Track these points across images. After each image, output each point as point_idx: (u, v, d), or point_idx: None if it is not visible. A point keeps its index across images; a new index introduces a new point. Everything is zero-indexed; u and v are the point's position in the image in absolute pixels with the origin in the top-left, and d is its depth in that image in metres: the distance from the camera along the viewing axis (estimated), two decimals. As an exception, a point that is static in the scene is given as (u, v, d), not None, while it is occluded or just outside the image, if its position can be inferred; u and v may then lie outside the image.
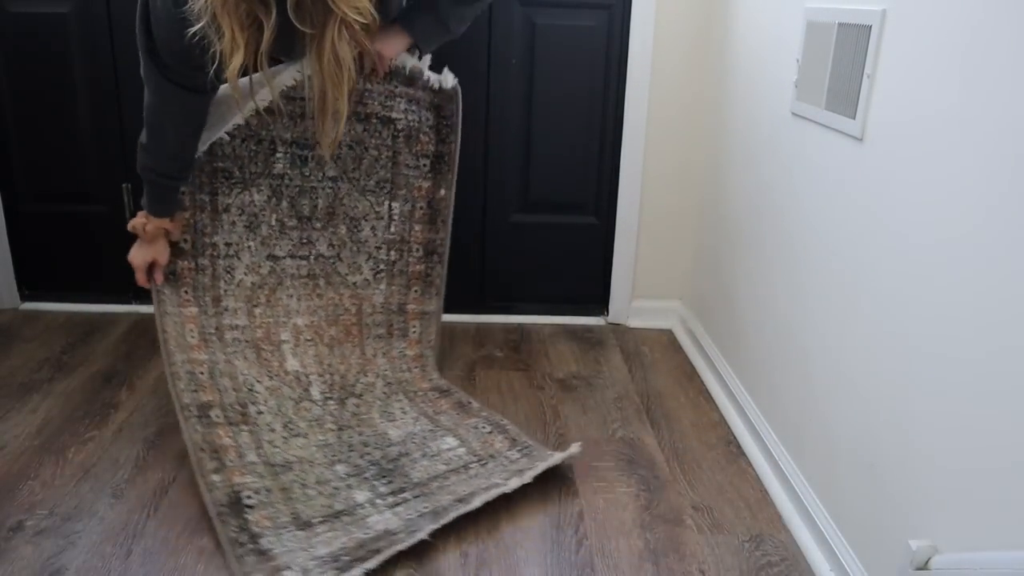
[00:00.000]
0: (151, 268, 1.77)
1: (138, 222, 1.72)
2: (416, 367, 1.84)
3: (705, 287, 2.22)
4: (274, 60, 1.50)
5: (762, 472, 1.71)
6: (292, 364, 1.77)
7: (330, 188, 1.78)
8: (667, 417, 1.91)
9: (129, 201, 2.31)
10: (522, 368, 2.14)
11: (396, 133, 1.78)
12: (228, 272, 1.79)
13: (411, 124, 1.78)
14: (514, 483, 1.51)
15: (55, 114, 2.23)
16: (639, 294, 2.43)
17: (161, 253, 1.76)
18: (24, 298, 2.40)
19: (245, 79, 1.56)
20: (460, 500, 1.49)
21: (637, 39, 2.19)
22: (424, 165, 1.81)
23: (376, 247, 1.82)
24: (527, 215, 2.37)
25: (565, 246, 2.40)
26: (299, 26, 1.40)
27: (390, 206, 1.80)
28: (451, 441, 1.65)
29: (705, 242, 2.23)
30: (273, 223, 1.78)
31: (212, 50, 1.40)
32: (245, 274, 1.79)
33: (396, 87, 1.75)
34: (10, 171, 2.28)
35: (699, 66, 2.22)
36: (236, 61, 1.39)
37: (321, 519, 1.44)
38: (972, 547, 1.06)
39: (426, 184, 1.82)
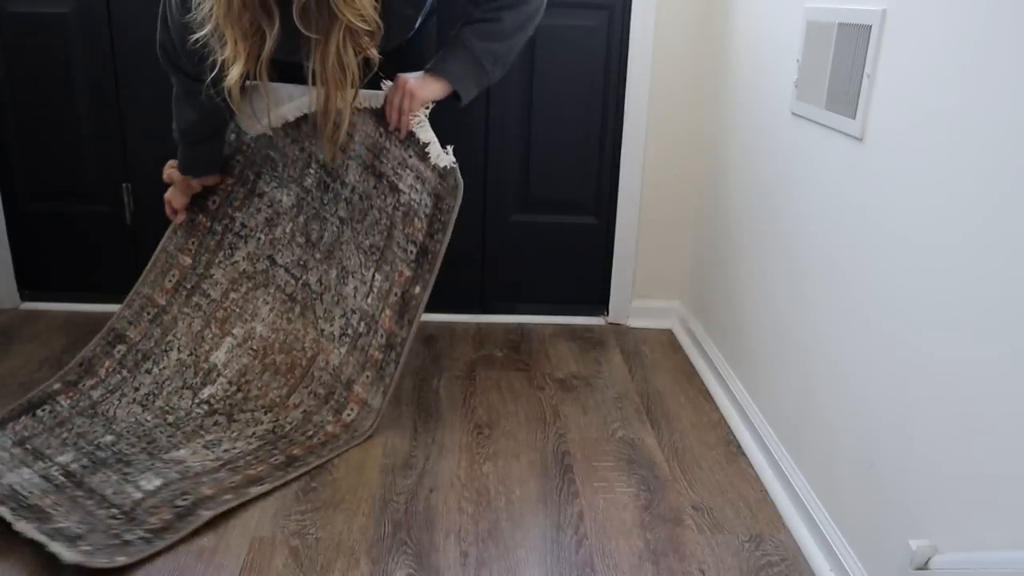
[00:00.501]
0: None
1: (171, 172, 1.82)
2: (318, 442, 1.64)
3: (705, 287, 2.22)
4: (275, 63, 1.50)
5: (762, 472, 1.71)
6: (217, 357, 1.73)
7: (336, 227, 1.74)
8: (667, 417, 1.91)
9: (129, 201, 2.31)
10: (522, 368, 2.14)
11: (397, 206, 1.71)
12: (231, 248, 1.82)
13: (412, 202, 1.70)
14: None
15: (55, 114, 2.23)
16: (639, 294, 2.43)
17: (189, 196, 1.88)
18: (24, 298, 2.40)
19: (253, 99, 1.61)
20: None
21: (637, 39, 2.19)
22: (411, 252, 1.71)
23: (352, 310, 1.74)
24: (527, 215, 2.37)
25: (565, 246, 2.40)
26: (304, 31, 1.40)
27: (374, 276, 1.72)
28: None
29: (705, 242, 2.23)
30: (287, 231, 1.77)
31: (212, 59, 1.41)
32: (243, 259, 1.80)
33: (410, 156, 1.69)
34: (10, 171, 2.28)
35: (699, 66, 2.22)
36: (236, 71, 1.40)
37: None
38: (972, 547, 1.06)
39: (407, 272, 1.71)
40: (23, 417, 1.61)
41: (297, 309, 1.70)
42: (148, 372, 1.75)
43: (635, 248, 2.38)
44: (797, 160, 1.62)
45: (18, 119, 2.24)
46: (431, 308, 2.40)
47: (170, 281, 1.85)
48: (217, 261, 1.83)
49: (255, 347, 1.69)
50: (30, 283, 2.39)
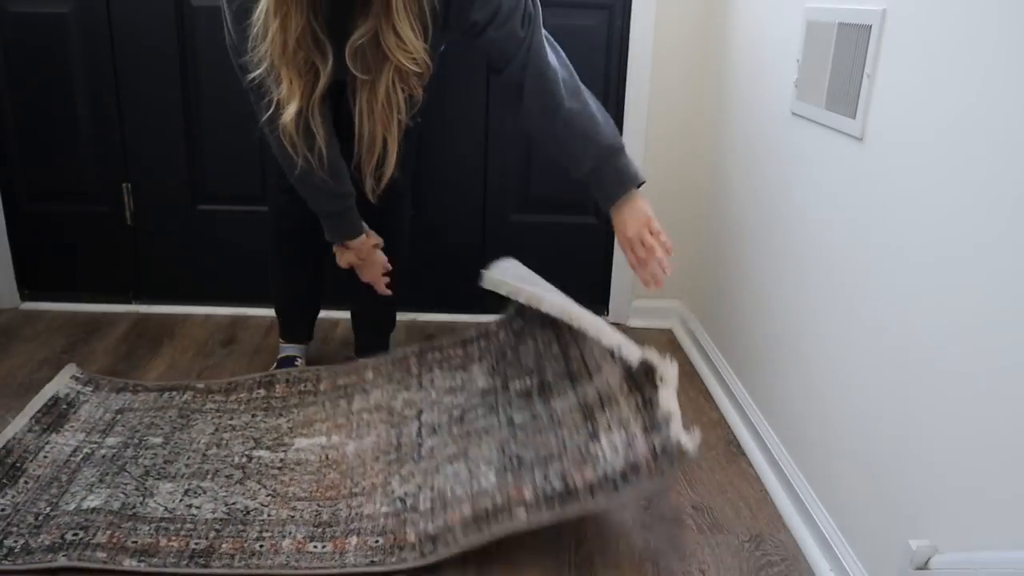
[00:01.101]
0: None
1: (350, 257, 1.77)
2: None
3: (705, 287, 2.22)
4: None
5: (762, 472, 1.71)
6: (300, 443, 1.73)
7: (499, 424, 1.63)
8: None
9: (129, 201, 2.31)
10: (522, 368, 2.13)
11: (582, 452, 1.47)
12: (403, 388, 1.87)
13: (599, 457, 1.44)
14: None
15: (55, 114, 2.23)
16: (639, 294, 2.43)
17: (379, 263, 1.82)
18: (24, 298, 2.40)
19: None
20: None
21: (637, 39, 2.19)
22: (555, 485, 1.45)
23: (430, 487, 1.56)
24: (527, 215, 2.37)
25: (565, 246, 2.40)
26: (354, 72, 1.43)
27: (487, 475, 1.53)
28: None
29: (705, 242, 2.23)
30: (455, 403, 1.77)
31: (268, 98, 1.42)
32: (402, 401, 1.84)
33: (634, 417, 1.45)
34: (10, 171, 2.28)
35: (699, 66, 2.22)
36: (292, 108, 1.41)
37: None
38: (972, 547, 1.06)
39: (527, 495, 1.46)
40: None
41: (392, 456, 1.65)
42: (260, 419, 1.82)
43: (635, 248, 2.38)
44: (797, 160, 1.62)
45: (18, 119, 2.24)
46: (431, 308, 2.41)
47: (343, 379, 1.94)
48: (386, 387, 1.86)
49: (329, 455, 1.68)
50: (30, 283, 2.39)
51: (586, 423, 1.54)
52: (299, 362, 2.06)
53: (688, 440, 1.36)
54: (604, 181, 1.55)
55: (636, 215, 1.54)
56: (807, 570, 1.45)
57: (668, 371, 1.43)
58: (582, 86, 1.57)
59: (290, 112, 1.42)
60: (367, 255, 1.78)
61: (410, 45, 1.40)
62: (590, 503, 1.40)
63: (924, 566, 1.11)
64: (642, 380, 1.50)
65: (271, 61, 1.39)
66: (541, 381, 1.71)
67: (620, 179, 1.54)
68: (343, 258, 1.78)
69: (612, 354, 1.54)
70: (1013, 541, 0.99)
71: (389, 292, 1.85)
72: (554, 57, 1.56)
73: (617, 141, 1.54)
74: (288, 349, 2.08)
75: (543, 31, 1.55)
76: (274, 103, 1.44)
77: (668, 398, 1.42)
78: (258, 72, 1.41)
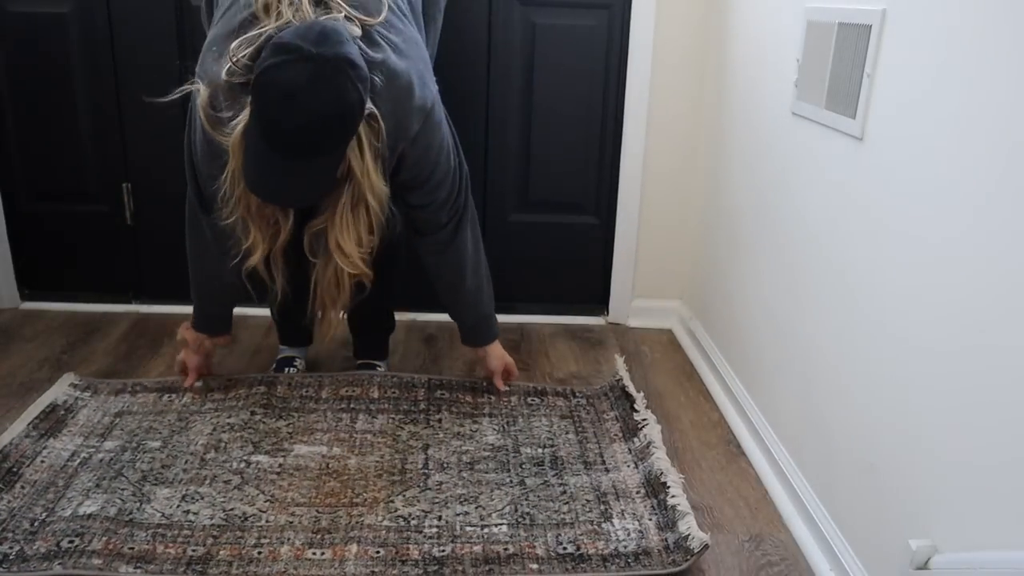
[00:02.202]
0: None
1: (187, 335, 1.86)
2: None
3: (705, 287, 2.22)
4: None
5: (762, 472, 1.71)
6: (300, 449, 1.73)
7: (510, 482, 1.64)
8: (667, 417, 1.91)
9: (129, 201, 2.31)
10: (522, 368, 2.13)
11: (595, 527, 1.51)
12: (420, 423, 1.86)
13: (611, 534, 1.50)
14: None
15: (55, 114, 2.23)
16: (639, 294, 2.43)
17: (209, 362, 1.93)
18: (24, 298, 2.40)
19: None
20: None
21: (637, 39, 2.19)
22: (566, 547, 1.47)
23: (437, 517, 1.54)
24: (527, 215, 2.37)
25: (565, 246, 2.40)
26: (307, 253, 1.53)
27: (491, 523, 1.53)
28: None
29: (705, 242, 2.23)
30: (462, 460, 1.76)
31: (238, 248, 1.51)
32: (408, 432, 1.82)
33: (648, 509, 1.55)
34: (10, 171, 2.28)
35: (699, 66, 2.22)
36: (257, 256, 1.50)
37: None
38: (972, 547, 1.06)
39: (539, 551, 1.46)
40: None
41: (397, 478, 1.63)
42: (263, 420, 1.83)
43: (635, 248, 2.38)
44: (797, 160, 1.62)
45: (18, 119, 2.24)
46: (431, 308, 2.41)
47: (346, 390, 1.95)
48: (392, 414, 1.86)
49: (330, 465, 1.67)
50: (30, 283, 2.39)
51: (599, 504, 1.58)
52: (298, 362, 2.06)
53: (701, 536, 1.44)
54: (475, 334, 1.89)
55: (498, 358, 1.92)
56: (807, 570, 1.45)
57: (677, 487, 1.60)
58: (482, 258, 1.81)
59: (255, 258, 1.51)
60: (202, 349, 1.88)
61: (347, 252, 1.49)
62: (601, 572, 1.40)
63: (924, 566, 1.11)
64: (659, 488, 1.59)
65: (240, 215, 1.47)
66: (554, 455, 1.74)
67: (487, 336, 1.90)
68: (180, 334, 1.86)
69: (636, 464, 1.70)
70: (1013, 541, 0.99)
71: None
72: (471, 239, 1.75)
73: (491, 308, 1.87)
74: (287, 351, 2.08)
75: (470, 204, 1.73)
76: (241, 252, 1.52)
77: (682, 501, 1.55)
78: (230, 221, 1.49)
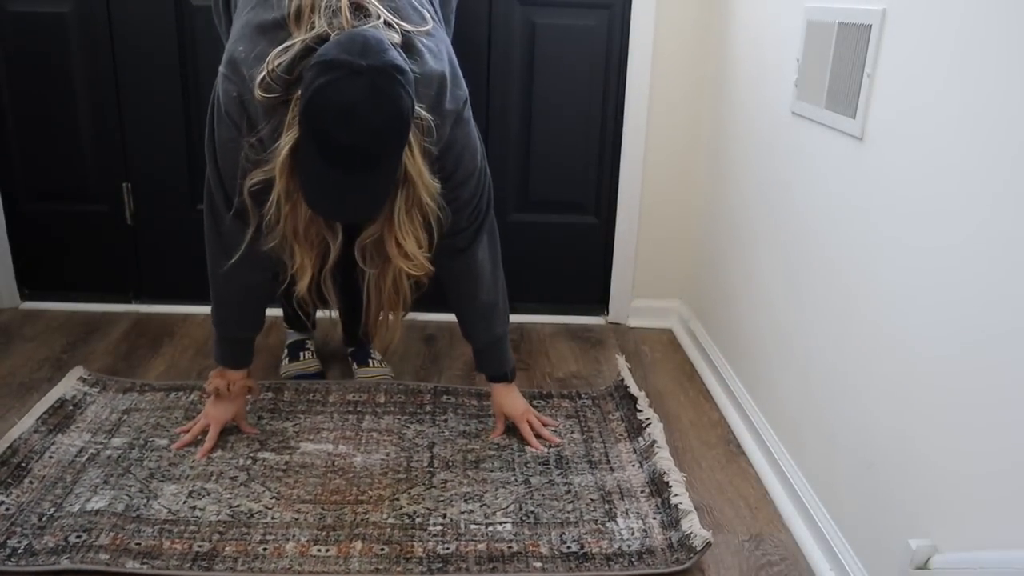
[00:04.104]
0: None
1: (219, 383, 1.70)
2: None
3: (705, 287, 2.22)
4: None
5: (762, 472, 1.71)
6: (306, 447, 1.73)
7: (515, 479, 1.65)
8: (667, 417, 1.91)
9: (129, 200, 2.31)
10: (522, 368, 2.13)
11: (599, 526, 1.52)
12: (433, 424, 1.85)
13: (614, 533, 1.51)
14: None
15: (55, 114, 2.23)
16: (639, 293, 2.43)
17: (241, 412, 1.77)
18: (24, 298, 2.40)
19: None
20: None
21: (637, 39, 2.19)
22: (570, 546, 1.48)
23: (442, 515, 1.55)
24: (527, 214, 2.37)
25: (565, 246, 2.40)
26: (362, 266, 1.49)
27: (495, 520, 1.54)
28: None
29: (705, 242, 2.23)
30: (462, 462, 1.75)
31: (284, 272, 1.48)
32: (416, 432, 1.82)
33: (652, 509, 1.56)
34: (10, 171, 2.28)
35: (699, 66, 2.21)
36: (305, 281, 1.46)
37: None
38: (972, 547, 1.06)
39: (542, 548, 1.48)
40: None
41: (402, 475, 1.64)
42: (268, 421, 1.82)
43: (635, 248, 2.38)
44: (797, 160, 1.62)
45: (18, 119, 2.24)
46: (431, 308, 2.41)
47: (353, 395, 1.95)
48: (398, 415, 1.86)
49: (336, 462, 1.68)
50: (30, 283, 2.39)
51: (604, 503, 1.59)
52: (309, 344, 2.09)
53: (704, 534, 1.45)
54: (487, 360, 1.79)
55: (516, 406, 1.80)
56: (807, 570, 1.45)
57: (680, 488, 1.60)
58: (500, 275, 1.74)
59: (304, 283, 1.46)
60: (236, 392, 1.72)
61: (410, 254, 1.45)
62: (605, 571, 1.41)
63: (924, 566, 1.11)
64: (663, 487, 1.60)
65: (285, 237, 1.43)
66: (559, 455, 1.74)
67: (501, 363, 1.79)
68: (211, 383, 1.71)
69: (640, 463, 1.71)
70: (1013, 541, 0.99)
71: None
72: (488, 249, 1.68)
73: (505, 329, 1.78)
74: (295, 335, 2.11)
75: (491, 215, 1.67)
76: (289, 276, 1.49)
77: (685, 500, 1.55)
78: (273, 245, 1.45)
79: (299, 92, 1.28)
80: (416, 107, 1.34)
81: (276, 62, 1.31)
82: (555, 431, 1.81)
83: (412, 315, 2.40)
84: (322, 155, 1.28)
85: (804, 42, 1.58)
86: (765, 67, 1.80)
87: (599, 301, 2.46)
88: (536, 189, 2.35)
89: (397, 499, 1.58)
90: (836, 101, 1.44)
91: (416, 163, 1.38)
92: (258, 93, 1.32)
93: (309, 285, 1.47)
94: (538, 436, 1.78)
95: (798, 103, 1.60)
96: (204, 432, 1.72)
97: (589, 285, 2.45)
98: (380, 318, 1.57)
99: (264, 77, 1.31)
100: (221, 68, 1.42)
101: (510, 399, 1.80)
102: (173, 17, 2.16)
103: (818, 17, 1.52)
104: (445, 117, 1.45)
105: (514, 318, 2.41)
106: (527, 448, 1.75)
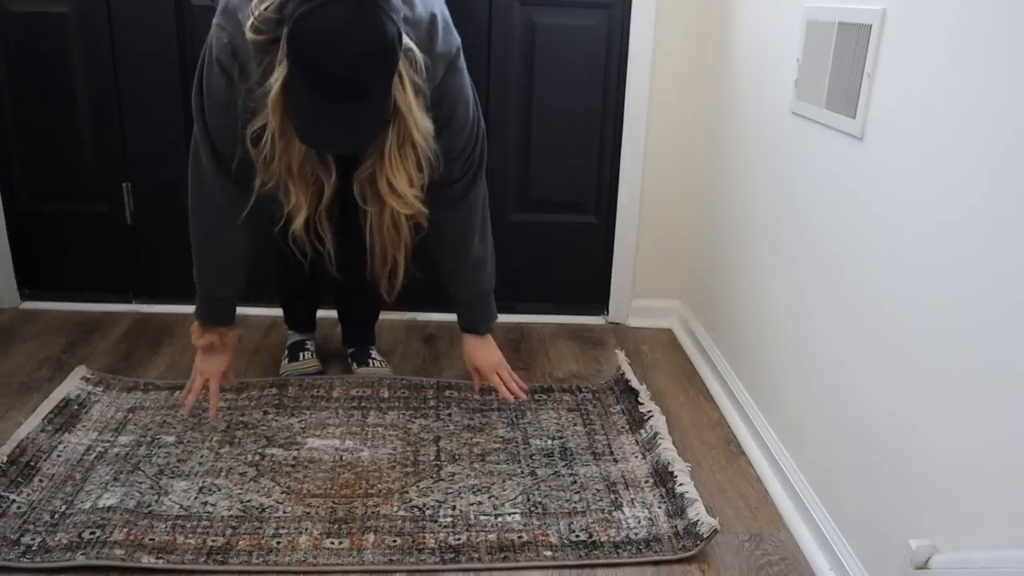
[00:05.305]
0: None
1: (211, 338, 1.68)
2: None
3: (705, 287, 2.22)
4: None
5: (762, 472, 1.71)
6: (313, 443, 1.73)
7: (521, 471, 1.67)
8: (667, 417, 1.90)
9: (129, 200, 2.31)
10: (522, 367, 2.13)
11: (606, 516, 1.54)
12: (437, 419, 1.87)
13: (621, 522, 1.53)
14: None
15: (55, 114, 2.23)
16: (639, 293, 2.43)
17: (231, 362, 1.74)
18: (24, 297, 2.39)
19: None
20: None
21: (637, 39, 2.19)
22: (578, 534, 1.50)
23: (451, 507, 1.56)
24: (527, 214, 2.37)
25: (565, 245, 2.40)
26: (359, 202, 1.48)
27: (505, 511, 1.56)
28: None
29: (705, 241, 2.23)
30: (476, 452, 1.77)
31: (279, 211, 1.47)
32: (421, 427, 1.82)
33: (656, 498, 1.58)
34: (10, 171, 2.28)
35: (699, 66, 2.21)
36: (300, 219, 1.46)
37: None
38: (972, 547, 1.06)
39: (551, 538, 1.50)
40: None
41: (410, 469, 1.66)
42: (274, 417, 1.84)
43: (635, 248, 2.38)
44: (797, 159, 1.62)
45: (18, 119, 2.24)
46: (430, 308, 2.41)
47: (356, 390, 1.95)
48: (403, 411, 1.87)
49: (343, 457, 1.69)
50: (30, 283, 2.39)
51: (609, 493, 1.61)
52: (309, 344, 2.09)
53: (710, 522, 1.47)
54: (472, 313, 1.77)
55: (490, 356, 1.78)
56: (807, 569, 1.45)
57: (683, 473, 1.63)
58: (489, 229, 1.72)
59: (299, 221, 1.47)
60: (228, 343, 1.71)
61: (401, 192, 1.45)
62: (614, 559, 1.43)
63: (924, 566, 1.11)
64: (667, 477, 1.62)
65: (280, 177, 1.43)
66: (564, 447, 1.76)
67: (484, 316, 1.77)
68: (203, 339, 1.68)
69: (643, 455, 1.73)
70: (1013, 541, 0.99)
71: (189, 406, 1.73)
72: (480, 202, 1.67)
73: (492, 284, 1.76)
74: (295, 335, 2.11)
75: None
76: (285, 215, 1.48)
77: (690, 488, 1.58)
78: (269, 186, 1.45)
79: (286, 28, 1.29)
80: (405, 40, 1.35)
81: (265, 3, 1.32)
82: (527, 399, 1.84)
83: (412, 315, 2.40)
84: (310, 84, 1.29)
85: (804, 42, 1.58)
86: (765, 67, 1.80)
87: (599, 301, 2.46)
88: (536, 189, 2.35)
89: (406, 492, 1.59)
90: (836, 101, 1.44)
91: (407, 98, 1.37)
92: (249, 35, 1.33)
93: (305, 224, 1.47)
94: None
95: (798, 103, 1.60)
96: (206, 391, 1.71)
97: (589, 285, 2.45)
98: (384, 263, 1.56)
99: (253, 20, 1.32)
100: (215, 20, 1.43)
101: (486, 350, 1.78)
102: (173, 17, 2.16)
103: (818, 17, 1.52)
104: (437, 60, 1.45)
105: (514, 318, 2.43)
106: (532, 440, 1.77)
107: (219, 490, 1.57)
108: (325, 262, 1.58)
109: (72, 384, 1.90)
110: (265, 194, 1.47)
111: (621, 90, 2.25)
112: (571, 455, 1.73)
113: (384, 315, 2.19)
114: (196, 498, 1.55)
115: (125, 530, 1.44)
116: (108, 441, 1.71)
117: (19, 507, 1.50)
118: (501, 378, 1.77)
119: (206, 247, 1.65)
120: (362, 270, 1.57)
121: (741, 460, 1.77)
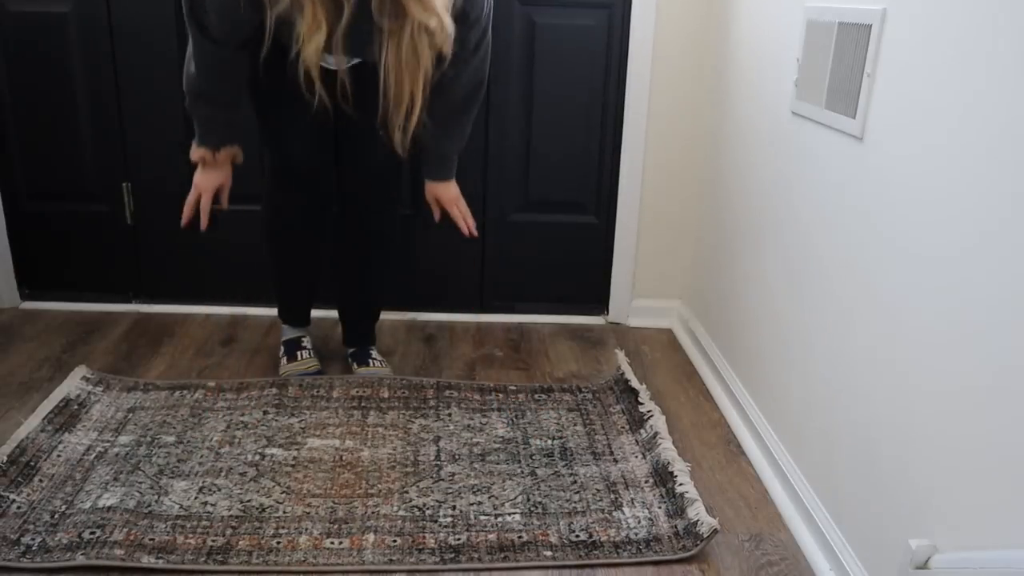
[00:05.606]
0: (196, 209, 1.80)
1: (203, 152, 1.73)
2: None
3: (705, 287, 2.22)
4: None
5: (762, 472, 1.71)
6: (313, 443, 1.74)
7: (522, 474, 1.66)
8: (667, 417, 1.90)
9: (129, 200, 2.31)
10: (522, 367, 2.14)
11: (607, 516, 1.55)
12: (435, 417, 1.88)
13: (621, 522, 1.53)
14: None
15: (55, 114, 2.23)
16: (639, 293, 2.43)
17: (228, 180, 1.79)
18: (24, 297, 2.40)
19: None
20: None
21: (637, 39, 2.19)
22: (578, 534, 1.51)
23: (451, 507, 1.57)
24: (527, 214, 2.37)
25: (565, 246, 2.40)
26: (379, 21, 1.45)
27: (505, 511, 1.56)
28: None
29: (705, 241, 2.23)
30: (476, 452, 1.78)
31: (296, 31, 1.44)
32: (420, 427, 1.83)
33: (656, 498, 1.59)
34: (10, 171, 2.28)
35: (699, 66, 2.21)
36: (317, 40, 1.44)
37: None
38: (972, 547, 1.06)
39: (552, 539, 1.50)
40: None
41: (410, 469, 1.66)
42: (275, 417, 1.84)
43: (635, 248, 2.38)
44: (797, 159, 1.62)
45: (18, 119, 2.24)
46: (430, 307, 2.41)
47: (356, 390, 1.96)
48: (403, 411, 1.88)
49: (343, 457, 1.69)
50: (30, 282, 2.39)
51: (609, 493, 1.61)
52: (305, 341, 2.08)
53: (710, 522, 1.47)
54: (440, 165, 1.85)
55: (450, 190, 1.88)
56: (807, 569, 1.45)
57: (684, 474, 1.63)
58: (479, 99, 1.79)
59: (314, 44, 1.44)
60: (222, 158, 1.75)
61: (429, 6, 1.43)
62: (614, 559, 1.43)
63: (924, 566, 1.12)
64: (667, 477, 1.62)
65: None
66: (563, 447, 1.76)
67: (450, 169, 1.87)
68: (195, 152, 1.74)
69: (643, 455, 1.73)
70: (1013, 541, 0.99)
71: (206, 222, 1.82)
72: (481, 68, 1.72)
73: (461, 147, 1.85)
74: (291, 331, 2.10)
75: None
76: (298, 36, 1.46)
77: (690, 488, 1.58)
78: (282, 6, 1.42)
79: None
80: None
81: None
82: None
83: (412, 314, 2.40)
84: None
85: (804, 42, 1.58)
86: (765, 67, 1.80)
87: (599, 301, 2.46)
88: (536, 189, 2.35)
89: (406, 492, 1.59)
90: (836, 101, 1.44)
91: None
92: None
93: (319, 48, 1.44)
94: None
95: (798, 103, 1.60)
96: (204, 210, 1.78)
97: (589, 285, 2.45)
98: (400, 104, 1.54)
99: None
100: None
101: (447, 185, 1.88)
102: (173, 17, 2.16)
103: (818, 17, 1.52)
104: None
105: (514, 318, 2.43)
106: (532, 440, 1.77)
107: (219, 490, 1.57)
108: (339, 98, 1.56)
109: (72, 384, 1.90)
110: (279, 16, 1.44)
111: (621, 90, 2.25)
112: (571, 455, 1.73)
113: (384, 315, 2.19)
114: (196, 498, 1.54)
115: (125, 530, 1.44)
116: (108, 441, 1.71)
117: (19, 507, 1.50)
118: (460, 211, 1.87)
119: (199, 62, 1.66)
120: (374, 115, 1.56)
121: (741, 460, 1.77)
